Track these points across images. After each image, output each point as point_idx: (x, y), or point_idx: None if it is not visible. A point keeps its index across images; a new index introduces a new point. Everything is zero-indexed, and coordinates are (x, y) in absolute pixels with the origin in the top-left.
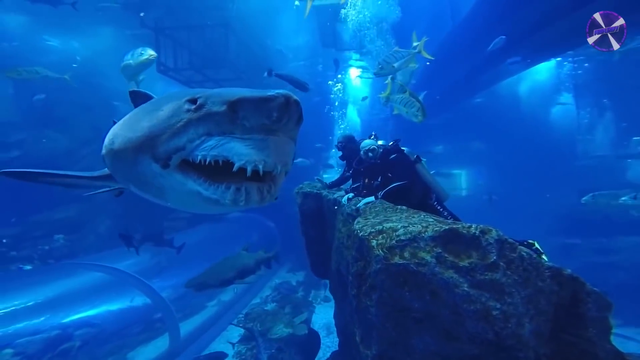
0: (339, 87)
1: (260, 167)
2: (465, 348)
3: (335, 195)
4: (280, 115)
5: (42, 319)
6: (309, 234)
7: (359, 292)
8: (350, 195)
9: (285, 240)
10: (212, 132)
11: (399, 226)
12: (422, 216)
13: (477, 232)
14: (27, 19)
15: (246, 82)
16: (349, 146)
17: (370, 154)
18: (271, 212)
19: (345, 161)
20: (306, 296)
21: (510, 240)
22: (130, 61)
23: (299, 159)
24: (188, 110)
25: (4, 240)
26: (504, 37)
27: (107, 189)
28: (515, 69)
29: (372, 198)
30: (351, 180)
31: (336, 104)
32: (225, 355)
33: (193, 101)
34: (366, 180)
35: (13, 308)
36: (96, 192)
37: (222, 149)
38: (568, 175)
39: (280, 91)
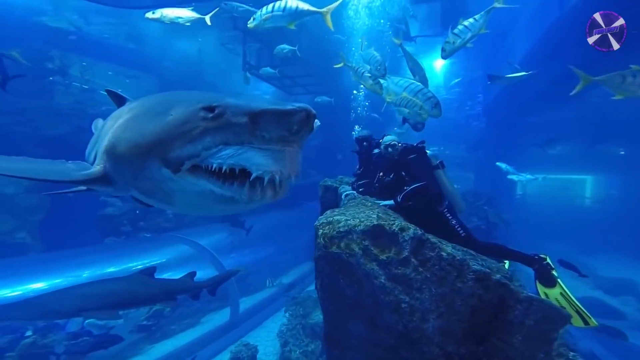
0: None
1: (277, 177)
2: (385, 337)
3: (342, 190)
4: (300, 128)
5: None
6: None
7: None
8: (351, 192)
9: None
10: (230, 142)
11: (343, 219)
12: (372, 212)
13: (397, 229)
14: (160, 25)
15: (316, 78)
16: (364, 144)
17: (390, 149)
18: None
19: (359, 157)
20: None
21: (432, 240)
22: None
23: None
24: (204, 119)
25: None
26: None
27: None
28: None
29: (391, 202)
30: (360, 176)
31: None
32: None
33: (210, 109)
34: (381, 174)
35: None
36: (67, 191)
37: (240, 158)
38: None
39: (301, 105)
